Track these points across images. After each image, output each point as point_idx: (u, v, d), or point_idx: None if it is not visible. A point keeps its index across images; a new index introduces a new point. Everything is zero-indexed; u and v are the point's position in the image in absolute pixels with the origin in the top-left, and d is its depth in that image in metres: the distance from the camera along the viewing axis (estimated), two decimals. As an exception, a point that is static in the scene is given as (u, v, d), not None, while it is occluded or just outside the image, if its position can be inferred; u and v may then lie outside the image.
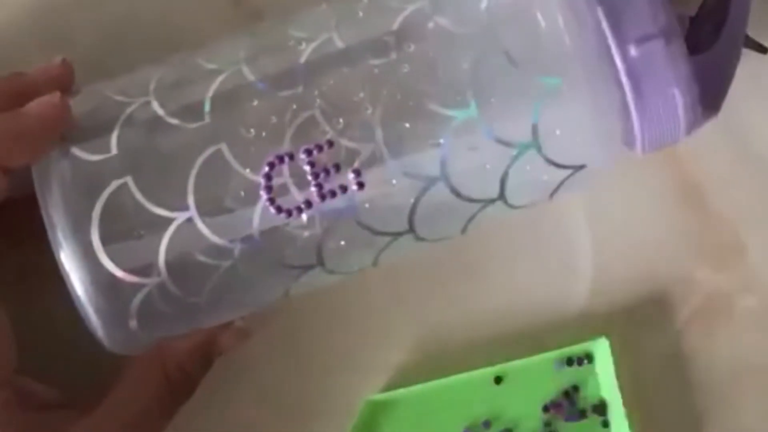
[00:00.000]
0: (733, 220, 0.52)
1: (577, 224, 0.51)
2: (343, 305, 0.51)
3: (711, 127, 0.45)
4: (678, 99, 0.43)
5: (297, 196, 0.42)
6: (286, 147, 0.42)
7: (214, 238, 0.42)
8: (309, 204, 0.42)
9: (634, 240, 0.52)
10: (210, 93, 0.42)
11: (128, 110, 0.43)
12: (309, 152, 0.41)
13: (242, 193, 0.42)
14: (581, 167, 0.44)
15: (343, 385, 0.51)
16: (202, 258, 0.42)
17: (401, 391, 0.50)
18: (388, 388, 0.51)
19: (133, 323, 0.43)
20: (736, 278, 0.52)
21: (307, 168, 0.42)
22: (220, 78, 0.43)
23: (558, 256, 0.52)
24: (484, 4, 0.43)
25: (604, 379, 0.50)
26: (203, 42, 0.47)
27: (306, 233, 0.42)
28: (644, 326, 0.51)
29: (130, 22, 0.51)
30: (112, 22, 0.50)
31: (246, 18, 0.51)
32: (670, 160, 0.51)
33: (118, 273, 0.42)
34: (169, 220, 0.42)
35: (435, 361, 0.51)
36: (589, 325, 0.51)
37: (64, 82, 0.46)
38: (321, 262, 0.43)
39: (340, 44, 0.43)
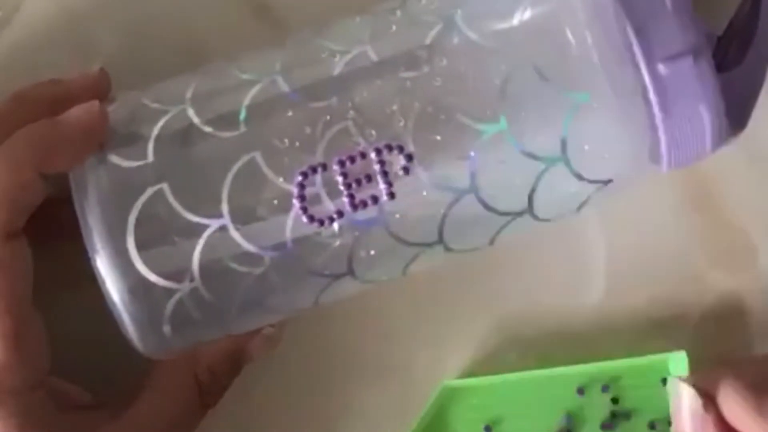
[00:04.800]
0: (744, 223, 0.52)
1: (590, 227, 0.52)
2: (364, 309, 0.52)
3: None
4: (705, 117, 0.43)
5: (329, 206, 0.43)
6: (319, 157, 0.42)
7: (247, 246, 0.42)
8: (341, 213, 0.43)
9: (647, 242, 0.52)
10: (245, 103, 0.43)
11: (165, 118, 0.43)
12: (342, 163, 0.42)
13: (275, 202, 0.42)
14: (608, 182, 0.44)
15: (367, 388, 0.52)
16: (234, 264, 0.43)
17: (478, 379, 0.51)
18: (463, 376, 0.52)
19: (166, 328, 0.43)
20: (747, 281, 0.52)
21: (339, 178, 0.42)
22: (256, 88, 0.43)
23: (571, 259, 0.52)
24: (515, 20, 0.44)
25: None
26: (225, 51, 0.47)
27: (337, 242, 0.43)
28: (656, 328, 0.52)
29: (152, 31, 0.51)
30: (135, 31, 0.51)
31: (268, 27, 0.51)
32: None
33: (153, 278, 0.43)
34: (204, 227, 0.42)
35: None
36: (605, 327, 0.52)
37: (101, 90, 0.47)
38: (351, 271, 0.44)
39: (373, 57, 0.43)
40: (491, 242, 0.45)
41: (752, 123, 0.50)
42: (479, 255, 0.46)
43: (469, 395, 0.51)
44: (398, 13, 0.45)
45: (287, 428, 0.52)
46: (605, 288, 0.52)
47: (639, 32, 0.42)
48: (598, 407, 0.52)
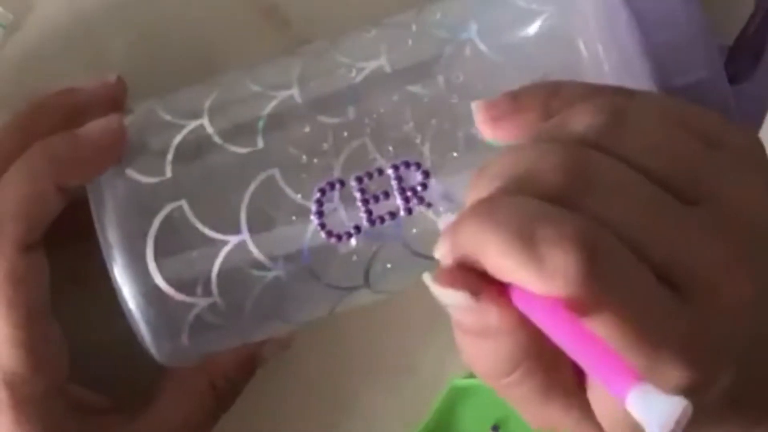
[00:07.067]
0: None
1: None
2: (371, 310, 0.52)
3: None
4: (718, 131, 0.44)
5: (346, 222, 0.43)
6: (337, 174, 0.43)
7: (266, 261, 0.43)
8: (358, 229, 0.43)
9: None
10: (263, 119, 0.43)
11: (182, 133, 0.44)
12: (360, 179, 0.43)
13: (293, 218, 0.43)
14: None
15: (375, 387, 0.53)
16: (252, 279, 0.43)
17: None
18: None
19: (184, 339, 0.44)
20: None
21: (357, 194, 0.43)
22: (273, 104, 0.44)
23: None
24: (530, 34, 0.44)
25: None
26: (235, 54, 0.49)
27: (354, 257, 0.44)
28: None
29: (162, 34, 0.51)
30: (144, 36, 0.51)
31: (277, 29, 0.51)
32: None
33: (171, 292, 0.43)
34: (222, 243, 0.43)
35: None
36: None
37: (118, 99, 0.47)
38: (367, 284, 0.44)
39: (390, 73, 0.44)
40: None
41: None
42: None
43: (477, 395, 0.52)
44: (413, 27, 0.45)
45: (295, 428, 0.53)
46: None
47: (654, 48, 0.43)
48: None
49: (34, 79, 0.50)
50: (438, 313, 0.52)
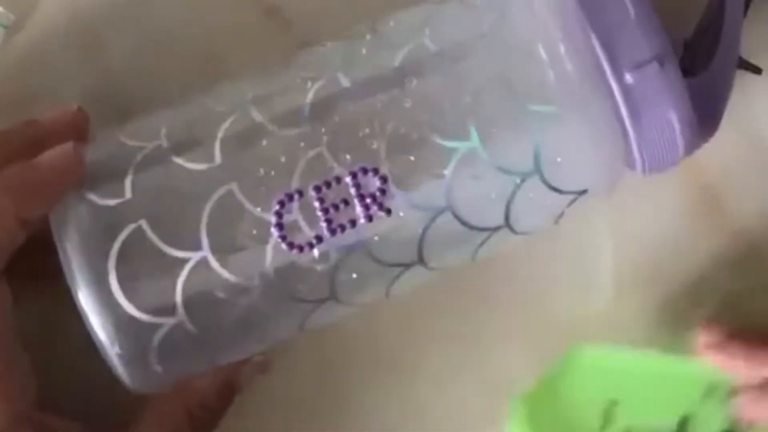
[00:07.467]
0: (751, 226, 0.53)
1: (596, 229, 0.52)
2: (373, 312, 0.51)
3: (729, 133, 0.47)
4: (674, 122, 0.44)
5: (308, 232, 0.43)
6: (295, 184, 0.43)
7: (229, 277, 0.43)
8: (320, 239, 0.43)
9: (652, 244, 0.53)
10: (220, 134, 0.43)
11: (141, 154, 0.44)
12: (318, 189, 0.43)
13: (254, 232, 0.43)
14: (583, 192, 0.45)
15: (375, 388, 0.52)
16: (217, 296, 0.43)
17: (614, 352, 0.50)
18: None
19: (153, 362, 0.44)
20: (753, 282, 0.53)
21: (316, 204, 0.43)
22: (230, 119, 0.44)
23: (578, 262, 0.52)
24: (482, 36, 0.44)
25: None
26: (236, 54, 0.49)
27: (318, 267, 0.43)
28: (664, 331, 0.52)
29: (163, 35, 0.52)
30: (147, 36, 0.52)
31: (277, 29, 0.52)
32: (688, 165, 0.51)
33: (137, 314, 0.43)
34: (184, 261, 0.43)
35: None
36: (612, 331, 0.52)
37: (79, 129, 0.47)
38: (334, 296, 0.44)
39: (344, 82, 0.44)
40: (473, 259, 0.46)
41: (759, 126, 0.51)
42: (489, 261, 0.47)
43: (593, 367, 0.49)
44: (368, 36, 0.45)
45: (296, 428, 0.52)
46: (613, 292, 0.52)
47: (604, 42, 0.43)
48: (714, 419, 0.50)
49: (35, 79, 0.51)
50: (440, 313, 0.52)
